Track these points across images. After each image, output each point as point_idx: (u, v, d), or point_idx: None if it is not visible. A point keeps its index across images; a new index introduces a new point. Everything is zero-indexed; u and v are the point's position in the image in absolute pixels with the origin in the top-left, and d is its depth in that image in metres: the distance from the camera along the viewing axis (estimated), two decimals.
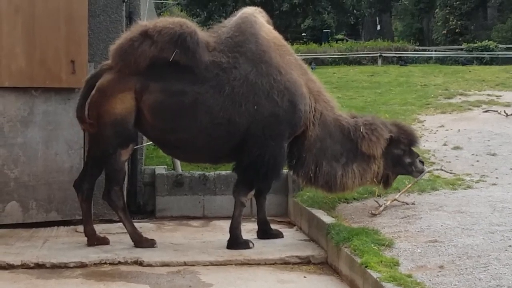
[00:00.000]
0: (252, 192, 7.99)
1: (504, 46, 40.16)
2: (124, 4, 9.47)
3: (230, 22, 8.05)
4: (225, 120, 7.54)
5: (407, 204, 8.11)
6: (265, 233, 8.26)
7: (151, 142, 10.14)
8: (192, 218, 9.59)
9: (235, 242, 7.75)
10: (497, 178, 9.78)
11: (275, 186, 9.04)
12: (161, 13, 26.07)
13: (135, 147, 9.42)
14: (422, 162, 8.48)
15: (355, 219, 7.87)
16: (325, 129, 7.97)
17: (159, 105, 7.50)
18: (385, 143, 8.03)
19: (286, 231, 8.67)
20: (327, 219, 7.76)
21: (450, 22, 48.47)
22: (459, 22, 48.16)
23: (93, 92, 7.60)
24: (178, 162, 10.20)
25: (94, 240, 7.85)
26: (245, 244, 7.73)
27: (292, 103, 7.69)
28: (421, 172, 8.43)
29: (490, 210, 7.64)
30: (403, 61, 36.11)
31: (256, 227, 8.39)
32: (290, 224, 9.26)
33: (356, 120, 8.17)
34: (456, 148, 11.78)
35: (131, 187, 9.74)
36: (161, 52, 7.46)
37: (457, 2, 48.28)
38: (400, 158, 8.24)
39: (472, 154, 11.34)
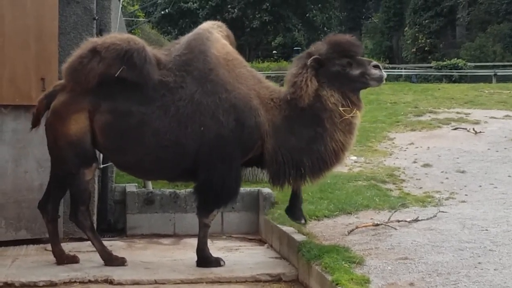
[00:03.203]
0: (215, 213, 7.83)
1: (473, 64, 40.64)
2: (95, 21, 9.45)
3: (184, 39, 7.92)
4: (172, 142, 7.36)
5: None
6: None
7: None
8: (163, 236, 9.55)
9: (205, 261, 7.69)
10: (466, 195, 9.87)
11: (246, 204, 9.06)
12: (132, 31, 26.01)
13: (106, 165, 9.41)
14: (377, 67, 7.51)
15: (326, 236, 7.86)
16: (280, 133, 7.57)
17: (107, 126, 7.39)
18: (305, 75, 7.40)
19: (257, 249, 8.67)
20: (298, 236, 7.75)
21: (420, 40, 48.98)
22: (428, 41, 48.69)
23: (49, 114, 7.58)
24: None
25: (63, 260, 7.79)
26: (216, 262, 7.68)
27: (239, 122, 7.43)
28: (380, 79, 7.47)
29: (459, 227, 7.70)
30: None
31: (226, 244, 8.38)
32: (261, 242, 9.25)
33: (285, 94, 7.62)
34: (426, 165, 11.90)
35: (102, 205, 9.69)
36: (109, 69, 7.32)
37: (426, 21, 48.82)
38: (343, 73, 7.42)
39: (442, 172, 11.47)
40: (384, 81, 7.59)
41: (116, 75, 7.30)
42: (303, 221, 7.74)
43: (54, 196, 7.84)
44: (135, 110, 7.36)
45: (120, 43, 7.42)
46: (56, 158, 7.63)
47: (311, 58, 7.44)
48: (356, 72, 7.44)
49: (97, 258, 7.81)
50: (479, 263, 6.24)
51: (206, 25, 8.07)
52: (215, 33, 7.89)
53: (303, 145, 7.50)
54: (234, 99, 7.44)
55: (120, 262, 7.71)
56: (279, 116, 7.57)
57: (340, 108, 7.37)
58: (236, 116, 7.41)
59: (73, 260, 7.81)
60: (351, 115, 7.41)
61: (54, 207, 7.85)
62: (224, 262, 7.73)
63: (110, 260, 7.71)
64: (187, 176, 7.75)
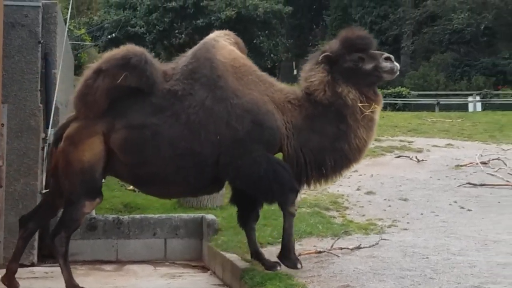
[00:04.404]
0: (298, 198, 7.50)
1: (416, 93, 41.23)
2: (40, 45, 9.37)
3: (190, 50, 7.76)
4: (188, 151, 7.16)
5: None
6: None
7: None
8: (105, 263, 9.46)
9: (286, 256, 7.35)
10: (408, 223, 9.99)
11: (189, 230, 9.04)
12: (78, 54, 25.87)
13: (48, 190, 9.29)
14: (388, 59, 7.33)
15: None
16: (302, 133, 7.39)
17: (125, 141, 7.19)
18: (318, 69, 7.38)
19: (200, 276, 8.65)
20: (241, 263, 7.75)
21: None
22: None
23: (62, 142, 7.35)
24: None
25: (11, 279, 7.62)
26: (295, 262, 7.31)
27: (256, 123, 7.21)
28: (391, 71, 7.34)
29: (401, 255, 7.78)
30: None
31: (169, 271, 8.33)
32: (205, 269, 9.22)
33: (302, 90, 7.56)
34: (369, 193, 12.01)
35: (44, 230, 9.55)
36: (114, 81, 7.15)
37: None
38: (356, 69, 7.31)
39: (385, 199, 11.59)
40: (398, 72, 7.45)
41: (118, 81, 7.11)
42: (278, 268, 7.40)
43: (40, 218, 7.67)
44: (148, 121, 7.18)
45: (119, 52, 7.31)
46: (61, 185, 7.42)
47: (322, 55, 7.38)
48: (369, 66, 7.32)
49: (37, 285, 7.72)
50: None
51: (213, 34, 7.93)
52: (221, 41, 7.75)
53: (327, 144, 7.35)
54: (247, 104, 7.26)
55: None
56: (300, 117, 7.42)
57: (360, 105, 7.26)
58: (251, 118, 7.21)
59: (14, 285, 7.66)
60: (370, 110, 7.29)
61: (33, 227, 7.65)
62: (301, 266, 7.31)
63: None
64: (212, 186, 7.55)
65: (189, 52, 7.70)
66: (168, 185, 7.52)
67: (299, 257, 7.69)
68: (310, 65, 7.53)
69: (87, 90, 7.23)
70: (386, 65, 7.29)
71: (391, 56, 7.36)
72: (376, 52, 7.41)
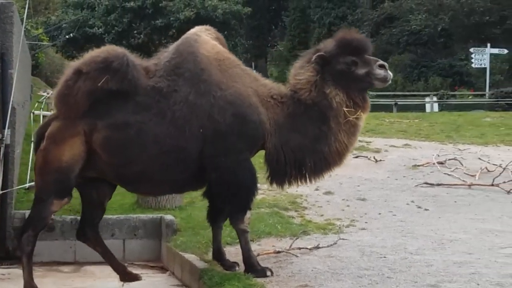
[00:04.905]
0: (248, 215, 7.38)
1: (374, 93, 41.41)
2: None
3: (172, 45, 7.68)
4: (174, 147, 7.09)
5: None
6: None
7: (25, 185, 9.94)
8: (63, 264, 9.39)
9: (253, 269, 7.24)
10: (366, 222, 10.04)
11: (148, 231, 8.98)
12: (36, 54, 25.63)
13: (4, 191, 9.20)
14: (383, 66, 7.18)
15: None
16: (284, 131, 7.33)
17: (108, 140, 7.09)
18: (308, 68, 7.32)
19: (159, 277, 8.63)
20: (199, 264, 7.74)
21: None
22: None
23: (44, 141, 7.25)
24: None
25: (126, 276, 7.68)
26: (262, 272, 7.18)
27: (238, 116, 7.14)
28: (384, 79, 7.21)
29: (359, 254, 7.84)
30: None
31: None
32: (163, 269, 9.20)
33: (287, 87, 7.53)
34: (328, 193, 12.05)
35: (0, 232, 9.46)
36: (95, 84, 7.04)
37: None
38: (348, 72, 7.18)
39: (343, 199, 11.64)
40: (390, 81, 7.35)
41: (99, 84, 7.00)
42: (237, 268, 7.48)
43: (90, 220, 7.67)
44: (131, 120, 7.08)
45: (99, 54, 7.19)
46: (36, 182, 7.40)
47: (316, 55, 7.29)
48: (361, 71, 7.19)
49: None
50: None
51: (194, 29, 7.80)
52: (203, 36, 7.65)
53: (308, 143, 7.28)
54: (230, 96, 7.17)
55: None
56: (282, 114, 7.35)
57: (345, 109, 7.17)
58: (234, 111, 7.13)
59: None
60: (355, 116, 7.22)
61: (93, 230, 7.68)
62: (272, 273, 7.22)
63: None
64: (196, 182, 7.46)
65: (171, 48, 7.61)
66: (155, 183, 7.48)
67: (257, 257, 7.71)
68: (301, 62, 7.49)
69: (68, 90, 7.12)
70: (379, 72, 7.19)
71: (385, 64, 7.25)
72: (371, 57, 7.30)
